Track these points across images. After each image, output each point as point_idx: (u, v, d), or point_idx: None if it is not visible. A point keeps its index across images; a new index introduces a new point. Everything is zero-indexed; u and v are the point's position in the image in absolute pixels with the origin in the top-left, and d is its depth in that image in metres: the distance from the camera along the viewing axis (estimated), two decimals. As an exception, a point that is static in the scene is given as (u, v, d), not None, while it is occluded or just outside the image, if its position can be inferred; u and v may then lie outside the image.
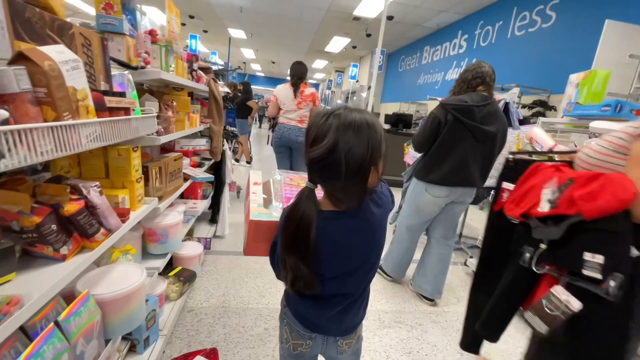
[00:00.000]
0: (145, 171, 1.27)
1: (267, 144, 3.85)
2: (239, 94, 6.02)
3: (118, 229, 0.93)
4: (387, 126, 6.24)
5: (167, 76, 1.30)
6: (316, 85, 22.16)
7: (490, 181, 2.65)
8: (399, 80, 10.83)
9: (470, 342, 1.31)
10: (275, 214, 0.75)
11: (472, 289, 1.31)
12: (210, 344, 1.59)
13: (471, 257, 2.91)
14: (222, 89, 2.77)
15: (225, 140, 2.77)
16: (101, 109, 0.83)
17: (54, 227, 0.74)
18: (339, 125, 0.61)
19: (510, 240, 1.03)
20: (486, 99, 1.85)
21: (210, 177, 1.89)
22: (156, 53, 1.32)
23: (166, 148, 2.09)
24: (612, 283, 0.70)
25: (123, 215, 1.03)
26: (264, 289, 2.13)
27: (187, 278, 1.75)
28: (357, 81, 11.24)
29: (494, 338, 1.12)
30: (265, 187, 0.86)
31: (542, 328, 0.83)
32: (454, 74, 7.78)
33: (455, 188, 1.93)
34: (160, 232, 1.45)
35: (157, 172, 1.35)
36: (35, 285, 0.69)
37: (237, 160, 6.12)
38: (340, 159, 0.60)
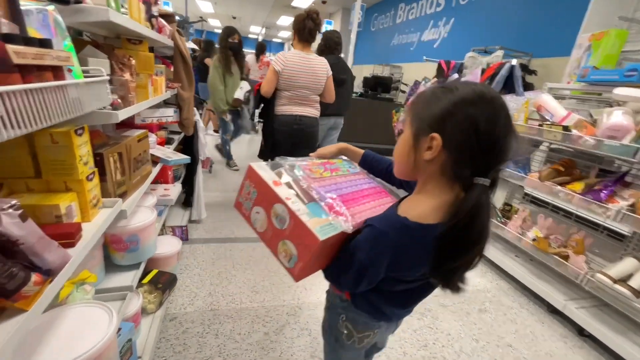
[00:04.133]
0: (100, 160, 0.89)
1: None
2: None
3: (64, 266, 0.59)
4: (360, 90, 5.91)
5: (120, 19, 0.87)
6: (281, 45, 20.73)
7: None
8: (371, 41, 10.29)
9: None
10: (338, 223, 0.60)
11: None
12: (203, 361, 1.33)
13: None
14: (188, 44, 2.27)
15: (195, 109, 2.32)
16: (4, 68, 0.46)
17: None
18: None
19: None
20: (338, 59, 2.87)
21: (186, 158, 1.51)
22: (97, -18, 0.87)
23: (123, 123, 1.64)
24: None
25: (71, 235, 0.68)
26: (255, 282, 1.87)
27: (166, 284, 1.43)
28: (327, 41, 10.53)
29: None
30: (290, 177, 0.69)
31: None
32: (430, 35, 7.45)
33: (330, 118, 2.94)
34: (128, 238, 1.10)
35: (117, 159, 0.97)
36: None
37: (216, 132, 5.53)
38: None
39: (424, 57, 3.30)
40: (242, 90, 3.36)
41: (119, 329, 1.01)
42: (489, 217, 0.56)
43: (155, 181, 1.81)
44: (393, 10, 9.05)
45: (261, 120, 2.56)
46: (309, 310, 1.71)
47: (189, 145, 2.26)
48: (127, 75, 1.01)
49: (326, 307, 0.81)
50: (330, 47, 2.88)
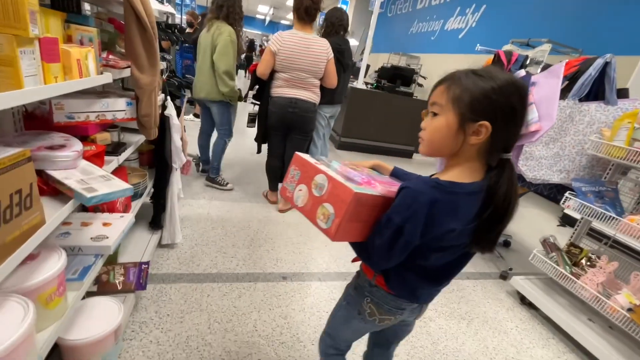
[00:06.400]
0: None
1: None
2: (198, 28, 4.60)
3: None
4: (373, 80, 5.23)
5: None
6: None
7: (561, 175, 1.91)
8: (387, 28, 9.50)
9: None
10: (371, 188, 0.66)
11: None
12: None
13: (510, 269, 2.26)
14: (163, 7, 1.63)
15: (170, 98, 1.70)
16: None
17: None
18: None
19: None
20: (346, 42, 2.64)
21: (125, 189, 0.90)
22: None
23: (36, 118, 1.05)
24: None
25: None
26: (237, 358, 1.29)
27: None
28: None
29: None
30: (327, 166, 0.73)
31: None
32: (456, 23, 6.70)
33: (335, 106, 2.82)
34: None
35: None
36: None
37: (197, 116, 4.89)
38: None
39: (478, 46, 2.64)
40: (238, 78, 2.72)
41: None
42: (517, 184, 0.65)
43: (94, 208, 1.21)
44: (414, -6, 8.25)
45: (256, 102, 2.46)
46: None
47: (159, 147, 1.66)
48: None
49: (353, 286, 0.85)
50: (335, 28, 2.63)
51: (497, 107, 0.59)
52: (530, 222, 3.40)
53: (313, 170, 0.69)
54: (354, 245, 0.72)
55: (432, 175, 0.72)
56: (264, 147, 2.60)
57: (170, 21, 2.52)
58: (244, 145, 4.01)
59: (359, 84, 4.79)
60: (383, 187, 0.68)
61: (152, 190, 1.79)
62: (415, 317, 0.86)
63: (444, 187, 0.62)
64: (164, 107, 1.62)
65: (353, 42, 8.27)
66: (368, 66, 5.98)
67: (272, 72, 2.25)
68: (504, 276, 2.21)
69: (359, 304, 0.82)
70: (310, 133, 2.51)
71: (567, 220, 3.54)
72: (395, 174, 0.88)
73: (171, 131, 1.59)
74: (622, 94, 1.80)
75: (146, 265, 1.47)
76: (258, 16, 16.79)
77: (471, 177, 0.64)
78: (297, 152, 0.77)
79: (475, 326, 1.72)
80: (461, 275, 2.17)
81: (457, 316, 1.77)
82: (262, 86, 2.38)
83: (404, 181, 0.77)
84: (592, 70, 1.74)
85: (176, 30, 2.32)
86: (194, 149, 3.12)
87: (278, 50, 2.13)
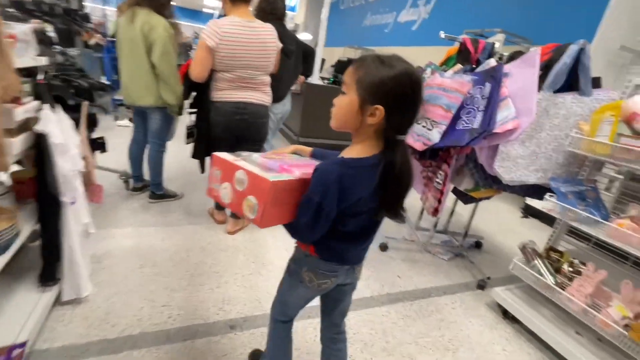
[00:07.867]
0: None
1: None
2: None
3: None
4: (330, 75, 4.96)
5: None
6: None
7: (538, 175, 1.73)
8: (340, 21, 9.25)
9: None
10: (287, 174, 0.73)
11: None
12: None
13: (488, 277, 2.08)
14: None
15: (52, 107, 1.23)
16: None
17: None
18: None
19: None
20: (282, 26, 2.31)
21: None
22: None
23: None
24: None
25: None
26: None
27: None
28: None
29: None
30: (247, 160, 0.79)
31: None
32: (409, 15, 6.60)
33: (285, 103, 2.58)
34: None
35: None
36: None
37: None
38: None
39: (443, 34, 2.41)
40: None
41: None
42: (410, 160, 0.76)
43: None
44: (366, -15, 8.07)
45: (193, 111, 2.03)
46: None
47: (41, 176, 1.20)
48: None
49: (292, 258, 0.95)
50: (265, 14, 2.23)
51: (391, 94, 0.67)
52: (493, 217, 3.32)
53: (233, 168, 0.74)
54: (285, 226, 0.78)
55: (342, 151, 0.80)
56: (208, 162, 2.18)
57: (74, 6, 2.01)
58: (185, 153, 3.50)
59: (315, 79, 4.47)
60: (300, 170, 0.74)
61: (42, 239, 1.32)
62: (352, 280, 0.95)
63: (348, 163, 0.73)
64: (40, 120, 1.16)
65: (307, 35, 7.92)
66: (323, 60, 5.67)
67: (211, 72, 1.80)
68: (482, 286, 2.03)
69: (299, 274, 0.90)
70: (262, 141, 2.11)
71: (530, 212, 3.52)
72: (315, 154, 0.99)
73: (52, 154, 1.14)
74: (595, 83, 1.65)
75: (21, 349, 1.03)
76: (205, 10, 15.64)
77: (370, 152, 0.74)
78: (214, 153, 0.81)
79: (463, 356, 1.49)
80: (437, 291, 1.96)
81: (440, 347, 1.53)
82: (199, 91, 1.93)
83: (322, 160, 0.84)
84: (567, 59, 1.56)
85: (77, 17, 1.81)
86: (123, 161, 2.60)
87: (217, 45, 1.68)
